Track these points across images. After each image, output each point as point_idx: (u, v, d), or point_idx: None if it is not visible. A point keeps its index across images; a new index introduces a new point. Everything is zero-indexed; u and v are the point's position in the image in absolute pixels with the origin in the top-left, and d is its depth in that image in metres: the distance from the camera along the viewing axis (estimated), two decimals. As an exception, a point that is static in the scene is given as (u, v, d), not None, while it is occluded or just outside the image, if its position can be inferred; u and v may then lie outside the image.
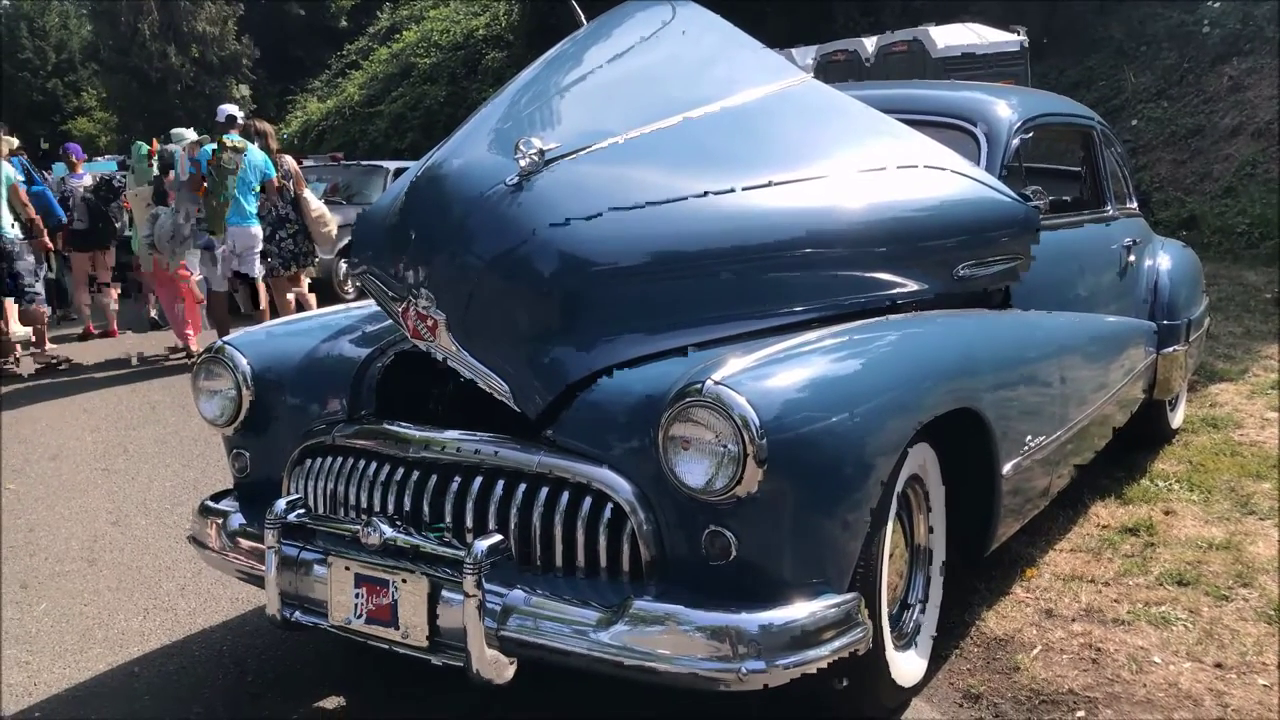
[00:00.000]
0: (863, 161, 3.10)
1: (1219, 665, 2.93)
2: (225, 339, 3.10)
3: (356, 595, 2.57)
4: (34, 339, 8.98)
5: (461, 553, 2.39)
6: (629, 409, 2.41)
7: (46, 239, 8.74)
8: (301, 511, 2.71)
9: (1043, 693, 2.80)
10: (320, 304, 10.82)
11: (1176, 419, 5.18)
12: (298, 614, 2.68)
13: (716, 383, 2.22)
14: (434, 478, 2.59)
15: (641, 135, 2.84)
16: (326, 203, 12.40)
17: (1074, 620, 3.21)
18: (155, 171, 8.80)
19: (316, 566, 2.66)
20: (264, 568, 2.72)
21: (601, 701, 2.84)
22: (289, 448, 2.91)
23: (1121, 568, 3.60)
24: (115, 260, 10.33)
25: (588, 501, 2.41)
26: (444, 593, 2.46)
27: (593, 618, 2.27)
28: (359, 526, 2.54)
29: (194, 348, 8.81)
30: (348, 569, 2.59)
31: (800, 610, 2.25)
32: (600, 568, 2.41)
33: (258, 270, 8.28)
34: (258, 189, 8.17)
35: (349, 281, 11.65)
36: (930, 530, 2.89)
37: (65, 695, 3.12)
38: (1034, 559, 3.69)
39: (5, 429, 6.62)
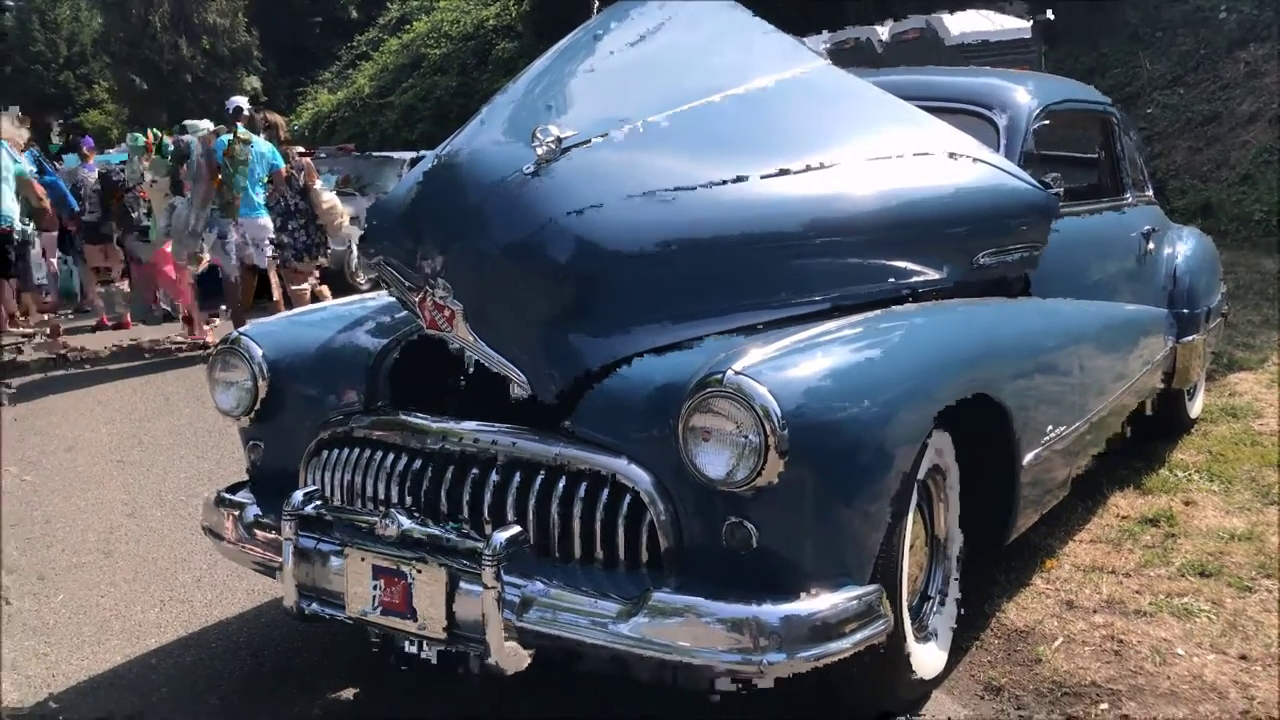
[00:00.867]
0: (881, 148, 3.07)
1: (1243, 657, 2.90)
2: (241, 330, 3.09)
3: (374, 587, 2.55)
4: (48, 331, 9.02)
5: (480, 544, 2.37)
6: (648, 399, 2.39)
7: (55, 221, 8.75)
8: (318, 503, 2.69)
9: (1065, 685, 2.78)
10: (334, 295, 10.87)
11: (1195, 408, 5.13)
12: (314, 605, 2.67)
13: (737, 372, 2.20)
14: (451, 469, 2.58)
15: (658, 122, 2.81)
16: (339, 194, 12.45)
17: (1095, 612, 3.18)
18: (170, 162, 8.80)
19: (333, 558, 2.65)
20: (280, 559, 2.71)
21: (613, 699, 2.82)
22: (305, 439, 2.90)
23: (1142, 559, 3.57)
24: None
25: (606, 492, 2.39)
26: (462, 584, 2.44)
27: (613, 609, 2.25)
28: (376, 518, 2.53)
29: (201, 335, 8.92)
30: (364, 560, 2.57)
31: (822, 602, 2.23)
32: (618, 559, 2.39)
33: (265, 260, 8.33)
34: (266, 180, 8.22)
35: (361, 273, 11.65)
36: (949, 521, 2.86)
37: (83, 687, 3.13)
38: (1053, 550, 3.66)
39: (21, 421, 6.64)
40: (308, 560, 2.68)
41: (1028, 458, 2.96)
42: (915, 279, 2.98)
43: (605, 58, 3.01)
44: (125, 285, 10.32)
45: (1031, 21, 10.62)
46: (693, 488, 2.28)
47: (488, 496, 2.51)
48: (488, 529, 2.48)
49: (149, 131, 9.35)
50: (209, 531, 3.06)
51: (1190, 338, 4.64)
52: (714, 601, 2.21)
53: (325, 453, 2.84)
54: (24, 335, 9.55)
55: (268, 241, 8.25)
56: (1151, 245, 4.45)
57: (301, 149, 9.26)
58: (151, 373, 8.23)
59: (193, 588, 3.82)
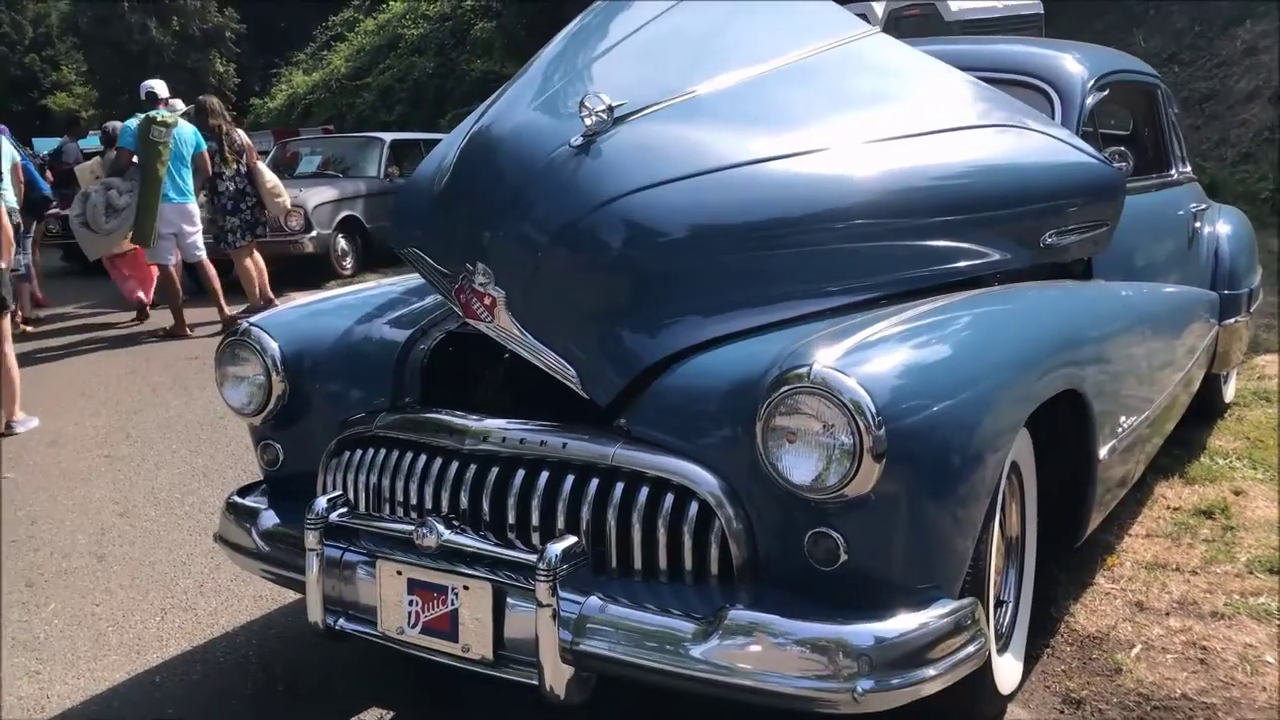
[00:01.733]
0: (943, 121, 2.83)
1: (1336, 663, 2.72)
2: (252, 320, 2.83)
3: (410, 603, 2.32)
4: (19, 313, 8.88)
5: (533, 557, 2.14)
6: (716, 396, 2.16)
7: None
8: (344, 510, 2.45)
9: (1153, 698, 2.58)
10: (319, 280, 10.58)
11: (1229, 392, 4.97)
12: (342, 621, 2.44)
13: (826, 366, 1.97)
14: (494, 472, 2.34)
15: (711, 93, 2.57)
16: (320, 176, 12.15)
17: (1169, 614, 2.99)
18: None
19: (362, 569, 2.42)
20: (302, 571, 2.47)
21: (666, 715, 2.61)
22: (325, 439, 2.65)
23: (1205, 554, 3.38)
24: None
25: (669, 498, 2.16)
26: (510, 600, 2.21)
27: (687, 630, 2.02)
28: (412, 527, 2.29)
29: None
30: (399, 574, 2.34)
31: (913, 620, 2.01)
32: (684, 571, 2.17)
33: (196, 255, 8.60)
34: (189, 162, 8.45)
35: (347, 258, 11.35)
36: (1024, 522, 2.66)
37: (81, 710, 2.88)
38: (1111, 546, 3.48)
39: (-2, 414, 6.34)
40: (334, 572, 2.44)
41: (1104, 451, 2.76)
42: (981, 261, 2.76)
43: (648, 22, 2.77)
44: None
45: None
46: (770, 495, 2.05)
47: (536, 503, 2.28)
48: (534, 538, 2.27)
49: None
50: (222, 540, 2.81)
51: (1233, 320, 4.46)
52: (797, 621, 1.99)
53: (347, 453, 2.60)
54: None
55: (197, 234, 8.55)
56: (1199, 224, 4.26)
57: (242, 132, 9.23)
58: (134, 359, 7.93)
59: (195, 594, 3.57)
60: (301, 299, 3.25)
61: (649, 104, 2.44)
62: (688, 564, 2.16)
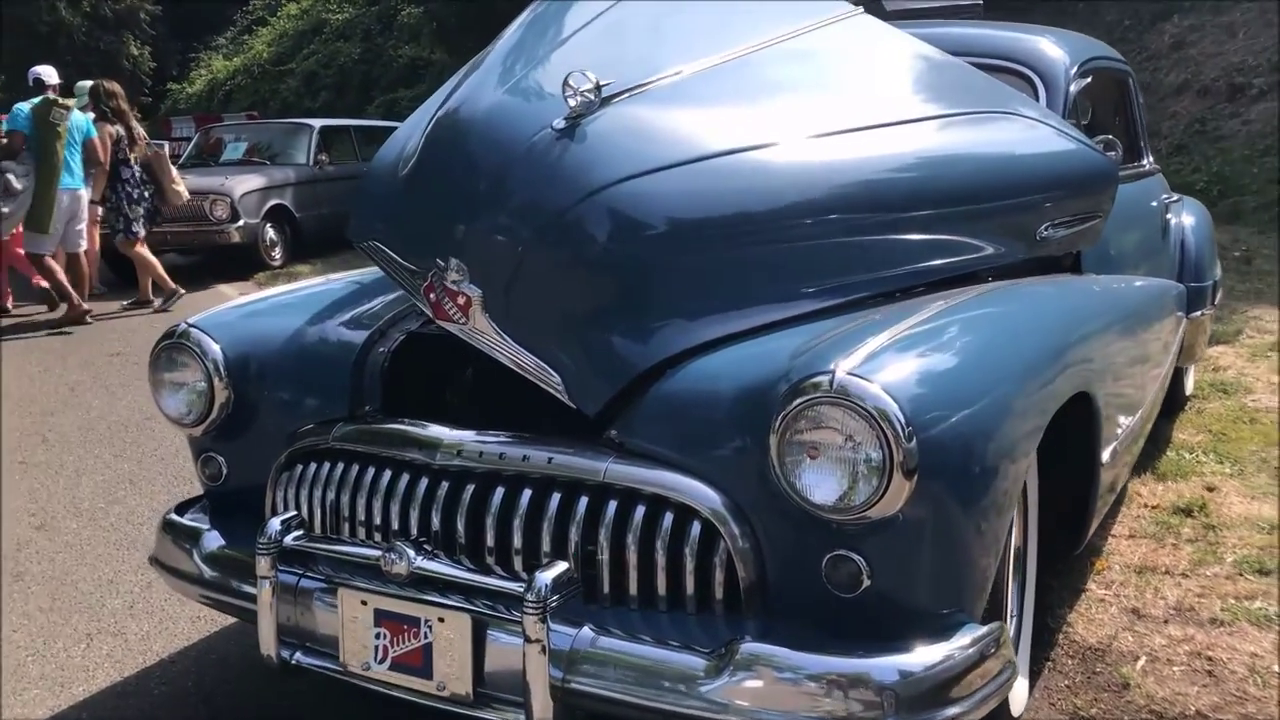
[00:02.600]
0: (938, 107, 2.68)
1: (1345, 673, 2.63)
2: (191, 321, 2.56)
3: (377, 636, 2.09)
4: None
5: (515, 585, 1.93)
6: (719, 404, 1.96)
7: None
8: (299, 533, 2.21)
9: (1165, 716, 2.45)
10: (247, 271, 10.16)
11: (1188, 385, 4.93)
12: (299, 655, 2.19)
13: (848, 373, 1.79)
14: (469, 490, 2.11)
15: (701, 73, 2.37)
16: (246, 163, 11.71)
17: (1167, 622, 2.88)
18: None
19: (320, 597, 2.19)
20: (251, 599, 2.23)
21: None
22: (274, 451, 2.40)
23: (1192, 555, 3.29)
24: None
25: (669, 517, 1.97)
26: (491, 632, 2.00)
27: (697, 666, 1.83)
28: (379, 552, 2.06)
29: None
30: (364, 604, 2.11)
31: (939, 651, 1.83)
32: (685, 599, 1.97)
33: (81, 244, 8.45)
34: (80, 147, 8.31)
35: (276, 248, 10.92)
36: (1026, 532, 2.51)
37: (0, 753, 2.60)
38: (1097, 548, 3.36)
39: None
40: (289, 599, 2.20)
41: (1106, 453, 2.63)
42: (979, 255, 2.61)
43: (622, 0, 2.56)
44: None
45: None
46: (781, 514, 1.86)
47: (517, 524, 2.06)
48: (516, 562, 2.05)
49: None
50: (158, 563, 2.54)
51: (1199, 313, 4.40)
52: (815, 654, 1.80)
53: (300, 468, 2.36)
54: None
55: (83, 223, 8.40)
56: (1169, 215, 4.18)
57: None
58: (50, 359, 7.48)
59: (125, 616, 3.28)
60: (230, 291, 2.98)
61: (636, 83, 2.23)
62: (689, 590, 1.96)
